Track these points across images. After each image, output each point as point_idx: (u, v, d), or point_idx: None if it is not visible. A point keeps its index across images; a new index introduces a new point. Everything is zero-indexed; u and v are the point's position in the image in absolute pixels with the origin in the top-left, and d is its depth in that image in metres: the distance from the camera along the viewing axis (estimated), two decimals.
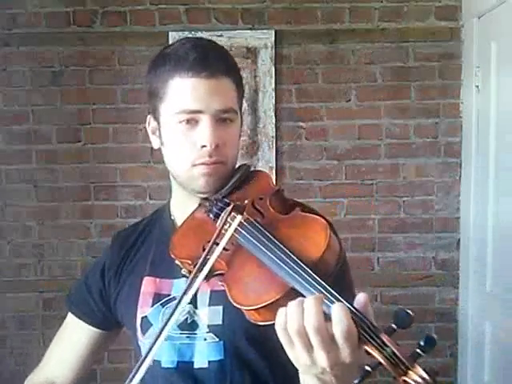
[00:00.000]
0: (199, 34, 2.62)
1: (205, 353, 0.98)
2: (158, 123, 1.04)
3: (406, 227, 2.73)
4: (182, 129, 0.99)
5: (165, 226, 1.11)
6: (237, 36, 2.61)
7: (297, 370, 0.78)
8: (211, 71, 0.96)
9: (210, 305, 0.98)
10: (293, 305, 0.71)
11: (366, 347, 0.68)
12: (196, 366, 0.99)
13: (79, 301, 1.17)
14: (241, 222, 0.90)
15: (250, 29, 2.64)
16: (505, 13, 2.26)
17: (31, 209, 2.72)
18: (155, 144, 1.08)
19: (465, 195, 2.68)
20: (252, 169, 1.09)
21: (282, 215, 0.93)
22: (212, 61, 0.97)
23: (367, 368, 0.67)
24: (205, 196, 1.02)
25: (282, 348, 0.88)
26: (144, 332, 1.03)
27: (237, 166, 1.07)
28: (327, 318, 0.69)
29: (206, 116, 0.97)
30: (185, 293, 0.87)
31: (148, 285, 1.05)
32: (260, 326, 0.80)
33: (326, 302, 0.71)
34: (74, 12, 2.66)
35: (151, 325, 1.02)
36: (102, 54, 2.67)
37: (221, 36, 2.61)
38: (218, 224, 0.93)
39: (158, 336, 0.85)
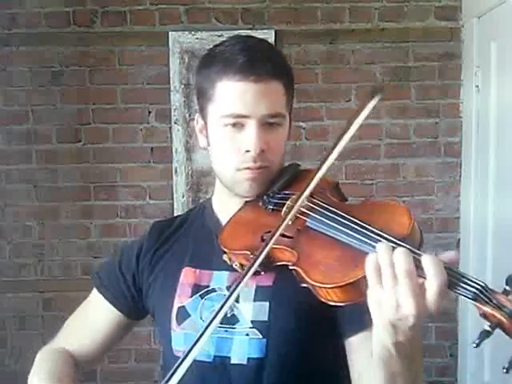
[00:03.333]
0: (199, 34, 2.62)
1: (245, 349, 0.96)
2: (205, 123, 1.03)
3: None
4: (227, 132, 0.98)
5: (208, 221, 1.10)
6: None
7: (337, 374, 0.79)
8: (259, 75, 0.95)
9: (255, 300, 0.97)
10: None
11: (485, 308, 0.67)
12: (233, 361, 0.97)
13: (110, 283, 1.14)
14: (310, 207, 0.89)
15: (250, 29, 2.64)
16: (505, 13, 2.26)
17: (31, 209, 2.72)
18: (202, 143, 1.07)
19: (465, 195, 2.68)
20: (302, 167, 1.09)
21: (348, 204, 0.93)
22: (260, 64, 0.95)
23: (487, 328, 0.66)
24: (249, 199, 1.01)
25: (327, 347, 0.89)
26: (180, 322, 1.02)
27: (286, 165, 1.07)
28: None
29: (252, 121, 0.96)
30: (242, 279, 0.84)
31: (187, 275, 1.04)
32: (339, 306, 0.79)
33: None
34: (74, 12, 2.66)
35: (189, 315, 1.01)
36: (101, 54, 2.67)
37: (221, 36, 2.60)
38: (283, 212, 0.92)
39: (207, 328, 0.83)
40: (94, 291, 1.16)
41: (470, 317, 2.56)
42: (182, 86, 2.65)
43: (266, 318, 0.96)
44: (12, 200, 2.72)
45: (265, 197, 0.99)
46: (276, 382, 0.96)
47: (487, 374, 2.45)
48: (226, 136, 0.98)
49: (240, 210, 1.02)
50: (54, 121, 2.69)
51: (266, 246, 0.84)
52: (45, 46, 2.66)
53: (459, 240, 2.72)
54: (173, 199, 2.70)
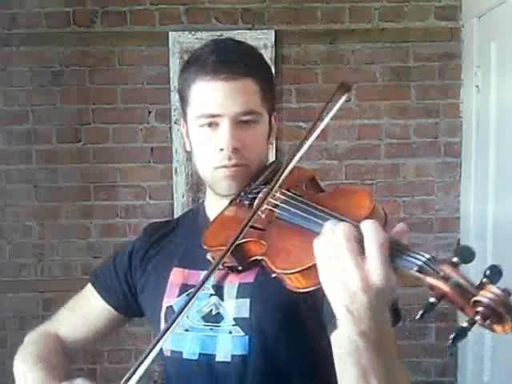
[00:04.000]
0: (199, 34, 2.62)
1: (228, 346, 0.97)
2: (187, 126, 1.06)
3: None
4: (204, 132, 1.00)
5: (200, 223, 1.11)
6: (237, 36, 2.60)
7: (323, 369, 0.77)
8: (230, 73, 0.96)
9: (237, 297, 0.97)
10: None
11: (429, 279, 0.64)
12: (218, 359, 0.97)
13: (104, 280, 1.18)
14: (280, 198, 0.90)
15: (250, 29, 2.64)
16: (505, 13, 2.26)
17: (31, 209, 2.72)
18: (187, 147, 1.08)
19: (465, 195, 2.68)
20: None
21: (320, 193, 0.94)
22: (231, 63, 0.96)
23: (431, 300, 0.64)
24: (230, 198, 1.03)
25: (310, 338, 0.88)
26: (168, 321, 1.02)
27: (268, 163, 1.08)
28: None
29: (224, 119, 0.97)
30: (211, 271, 0.86)
31: (176, 275, 1.05)
32: (304, 293, 0.78)
33: None
34: (73, 12, 2.66)
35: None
36: (101, 54, 2.67)
37: (221, 36, 2.60)
38: (254, 204, 0.93)
39: (175, 319, 0.84)
40: (89, 285, 1.20)
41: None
42: None
43: (247, 315, 0.96)
44: (12, 200, 2.72)
45: (242, 193, 1.00)
46: (261, 379, 0.97)
47: (487, 374, 2.45)
48: (203, 136, 1.00)
49: (224, 209, 1.03)
50: (54, 121, 2.69)
51: (236, 237, 0.85)
52: (45, 45, 2.66)
53: (459, 240, 2.72)
54: (173, 199, 2.70)
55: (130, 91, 2.68)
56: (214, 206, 1.08)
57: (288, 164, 0.91)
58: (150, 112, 2.70)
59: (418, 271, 0.65)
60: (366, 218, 0.73)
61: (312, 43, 2.67)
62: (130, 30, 2.67)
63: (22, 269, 2.73)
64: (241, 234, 0.86)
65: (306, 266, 0.76)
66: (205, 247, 0.96)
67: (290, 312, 0.93)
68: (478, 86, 2.53)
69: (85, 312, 1.19)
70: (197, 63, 0.99)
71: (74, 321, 1.19)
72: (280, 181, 0.89)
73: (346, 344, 0.71)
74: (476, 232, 2.56)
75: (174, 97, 2.65)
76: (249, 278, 0.96)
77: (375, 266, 0.66)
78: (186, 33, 2.63)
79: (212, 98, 0.97)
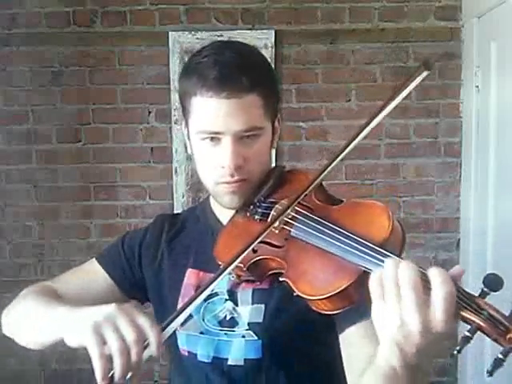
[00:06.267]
0: (199, 34, 2.62)
1: (241, 350, 0.97)
2: (188, 132, 1.03)
3: (406, 227, 2.69)
4: (205, 146, 0.98)
5: (209, 221, 1.10)
6: (237, 36, 2.60)
7: (334, 376, 0.77)
8: (232, 90, 0.92)
9: (252, 303, 0.98)
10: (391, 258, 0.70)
11: (463, 313, 0.66)
12: (230, 362, 0.98)
13: (109, 256, 1.17)
14: (293, 216, 0.88)
15: (250, 29, 2.64)
16: (505, 13, 2.26)
17: (31, 209, 2.72)
18: (189, 150, 1.06)
19: (465, 195, 2.68)
20: (287, 169, 1.07)
21: (333, 207, 0.91)
22: (234, 78, 0.92)
23: (467, 334, 0.65)
24: (233, 210, 1.01)
25: (322, 346, 0.87)
26: (183, 323, 1.01)
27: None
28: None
29: (226, 137, 0.94)
30: (213, 281, 0.85)
31: (191, 277, 1.05)
32: (330, 315, 0.78)
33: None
34: (74, 12, 2.66)
35: (191, 317, 1.02)
36: (101, 54, 2.67)
37: (221, 36, 2.60)
38: (270, 217, 0.92)
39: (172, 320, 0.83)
40: (94, 262, 1.17)
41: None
42: None
43: (260, 320, 0.97)
44: (12, 200, 2.72)
45: (251, 206, 0.99)
46: (274, 383, 0.97)
47: (487, 374, 2.44)
48: (203, 150, 0.99)
49: (231, 219, 1.02)
50: (54, 121, 2.69)
51: (234, 259, 0.85)
52: (45, 45, 2.66)
53: (459, 240, 2.72)
54: (173, 199, 2.70)
55: (130, 91, 2.68)
56: (219, 206, 1.07)
57: (317, 177, 0.87)
58: (150, 112, 2.70)
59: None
60: (388, 239, 0.75)
61: (312, 43, 2.67)
62: (130, 29, 2.67)
63: (22, 269, 2.73)
64: (243, 253, 0.85)
65: (332, 294, 0.75)
66: (218, 262, 0.95)
67: (304, 319, 0.92)
68: (477, 86, 2.53)
69: (86, 280, 1.16)
70: (197, 75, 0.95)
71: (75, 284, 1.15)
72: (295, 202, 0.86)
73: (383, 365, 0.73)
74: (476, 232, 2.56)
75: (174, 97, 2.64)
76: (263, 284, 0.96)
77: (440, 316, 0.65)
78: (186, 33, 2.63)
79: (213, 116, 0.94)
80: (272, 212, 0.94)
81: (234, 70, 0.94)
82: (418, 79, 0.82)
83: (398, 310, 0.67)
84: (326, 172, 0.86)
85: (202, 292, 0.84)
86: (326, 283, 0.77)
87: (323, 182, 0.97)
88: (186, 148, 1.12)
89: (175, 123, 2.66)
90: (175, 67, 2.63)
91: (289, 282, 0.83)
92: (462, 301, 0.66)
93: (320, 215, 0.86)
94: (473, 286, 0.69)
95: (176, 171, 2.69)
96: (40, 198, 2.72)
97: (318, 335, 0.95)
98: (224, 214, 1.05)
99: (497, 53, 2.36)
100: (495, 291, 0.66)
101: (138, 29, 2.67)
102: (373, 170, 2.71)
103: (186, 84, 0.99)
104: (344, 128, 2.67)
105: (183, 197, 2.70)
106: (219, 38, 2.60)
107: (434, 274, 0.67)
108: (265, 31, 2.63)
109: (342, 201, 0.94)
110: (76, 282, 1.16)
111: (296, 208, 0.89)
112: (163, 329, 0.81)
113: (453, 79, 2.69)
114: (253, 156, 0.98)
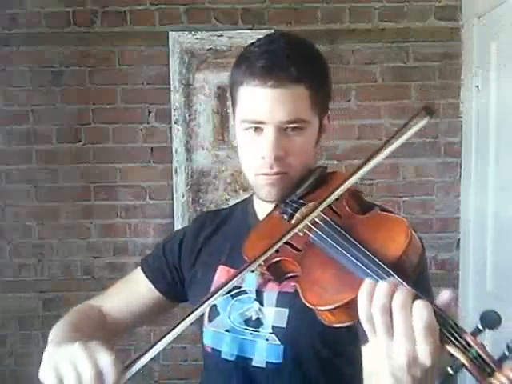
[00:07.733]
0: (199, 34, 2.62)
1: (264, 353, 0.97)
2: (235, 123, 1.03)
3: None
4: (248, 136, 0.97)
5: (249, 218, 1.10)
6: (237, 36, 2.60)
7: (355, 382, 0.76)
8: (278, 80, 0.91)
9: (276, 305, 0.97)
10: (382, 282, 0.69)
11: (449, 347, 0.64)
12: (254, 363, 0.98)
13: (153, 264, 1.18)
14: (315, 221, 0.87)
15: (250, 29, 2.64)
16: (505, 13, 2.26)
17: (31, 209, 2.72)
18: (236, 141, 1.05)
19: (465, 195, 2.68)
20: (328, 170, 1.06)
21: (359, 215, 0.90)
22: (281, 68, 0.92)
23: (449, 371, 0.63)
24: (271, 203, 1.01)
25: (344, 358, 0.87)
26: (211, 320, 1.03)
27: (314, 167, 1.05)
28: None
29: (269, 127, 0.93)
30: (232, 279, 0.85)
31: (221, 274, 1.04)
32: (334, 328, 0.77)
33: None
34: (74, 12, 2.67)
35: (218, 314, 1.02)
36: (102, 54, 2.67)
37: (221, 36, 2.61)
38: (292, 223, 0.91)
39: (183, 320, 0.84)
40: (138, 269, 1.19)
41: (470, 319, 2.56)
42: (182, 86, 2.65)
43: (284, 325, 0.96)
44: (12, 200, 2.72)
45: (282, 205, 0.98)
46: None
47: None
48: (246, 140, 0.98)
49: (267, 215, 1.02)
50: (54, 121, 2.69)
51: (269, 250, 0.85)
52: (45, 45, 2.67)
53: (459, 240, 2.72)
54: (173, 199, 2.70)
55: (130, 91, 2.68)
56: (260, 202, 1.06)
57: (341, 185, 0.88)
58: (150, 112, 2.70)
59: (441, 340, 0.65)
60: (401, 256, 0.74)
61: None
62: (130, 29, 2.67)
63: (22, 269, 2.73)
64: (265, 253, 0.85)
65: (336, 306, 0.75)
66: (245, 257, 0.95)
67: (326, 328, 0.93)
68: (478, 86, 2.53)
69: (131, 293, 1.18)
70: (246, 64, 0.95)
71: (119, 299, 1.18)
72: (319, 209, 0.86)
73: None
74: (476, 232, 2.56)
75: (174, 97, 2.65)
76: (288, 287, 0.95)
77: (423, 349, 0.65)
78: (186, 33, 2.63)
79: (257, 104, 0.93)
80: (297, 214, 0.93)
81: (282, 59, 0.93)
82: (419, 125, 0.84)
83: (387, 338, 0.67)
84: (352, 180, 0.88)
85: (202, 304, 0.84)
86: (330, 294, 0.76)
87: (359, 191, 0.98)
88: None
89: (175, 123, 2.66)
90: (175, 67, 2.63)
91: (298, 288, 0.82)
92: (450, 334, 0.65)
93: (343, 224, 0.86)
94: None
95: (176, 171, 2.69)
96: (40, 197, 2.72)
97: (340, 347, 0.94)
98: (263, 210, 1.04)
99: (497, 53, 2.36)
100: (491, 329, 0.64)
101: (138, 29, 2.67)
102: (372, 169, 2.70)
103: (235, 73, 0.99)
104: (344, 128, 2.67)
105: (183, 197, 2.70)
106: (219, 38, 2.60)
107: (415, 308, 0.66)
108: (265, 31, 2.61)
109: (373, 207, 0.93)
110: (121, 296, 1.19)
111: (322, 213, 0.88)
112: (128, 366, 0.81)
113: (453, 79, 2.69)
114: (295, 149, 0.96)
